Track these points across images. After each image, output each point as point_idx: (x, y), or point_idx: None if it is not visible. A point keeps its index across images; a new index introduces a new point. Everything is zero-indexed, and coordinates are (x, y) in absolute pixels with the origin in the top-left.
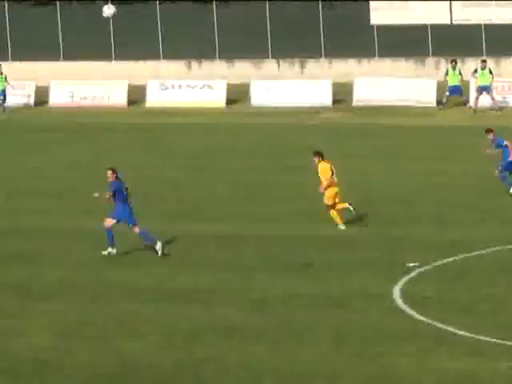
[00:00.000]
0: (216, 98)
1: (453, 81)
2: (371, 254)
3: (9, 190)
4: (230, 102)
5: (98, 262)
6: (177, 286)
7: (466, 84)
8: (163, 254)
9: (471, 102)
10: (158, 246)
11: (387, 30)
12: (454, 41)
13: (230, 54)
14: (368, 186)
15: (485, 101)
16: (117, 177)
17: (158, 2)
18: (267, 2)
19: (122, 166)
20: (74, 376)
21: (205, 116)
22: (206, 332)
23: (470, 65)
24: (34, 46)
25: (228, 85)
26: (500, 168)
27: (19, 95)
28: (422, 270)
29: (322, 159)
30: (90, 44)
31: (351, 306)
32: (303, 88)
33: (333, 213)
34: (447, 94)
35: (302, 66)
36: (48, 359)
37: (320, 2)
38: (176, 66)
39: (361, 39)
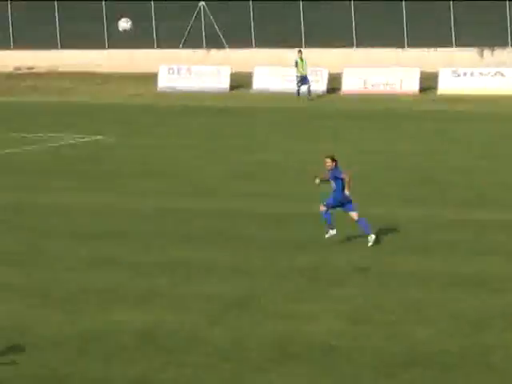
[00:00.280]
0: (508, 86)
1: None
2: None
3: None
4: None
5: (383, 247)
6: (466, 271)
7: None
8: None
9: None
10: (371, 238)
11: None
12: None
13: None
14: None
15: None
16: (336, 165)
17: None
18: None
19: (413, 152)
20: (362, 362)
21: (496, 104)
22: (495, 319)
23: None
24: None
25: None
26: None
27: (313, 81)
28: None
29: None
30: (382, 32)
31: None
32: None
33: None
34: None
35: None
36: (336, 345)
37: None
38: (469, 54)
39: None
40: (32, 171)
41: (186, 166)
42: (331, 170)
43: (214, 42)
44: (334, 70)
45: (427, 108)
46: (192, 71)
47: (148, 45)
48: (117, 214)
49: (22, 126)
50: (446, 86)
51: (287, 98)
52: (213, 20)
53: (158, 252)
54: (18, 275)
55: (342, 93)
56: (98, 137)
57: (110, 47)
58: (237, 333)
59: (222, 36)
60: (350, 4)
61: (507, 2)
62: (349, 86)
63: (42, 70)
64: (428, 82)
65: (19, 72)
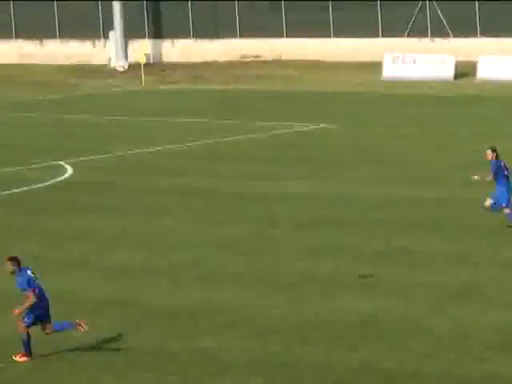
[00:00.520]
0: None
1: None
2: None
3: None
4: None
5: None
6: None
7: None
8: None
9: None
10: None
11: None
12: None
13: None
14: None
15: None
16: (497, 156)
17: None
18: None
19: None
20: None
21: None
22: None
23: None
24: None
25: None
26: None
27: None
28: None
29: None
30: None
31: None
32: None
33: None
34: None
35: None
36: None
37: None
38: None
39: None
40: (258, 159)
41: (411, 154)
42: (493, 160)
43: (438, 31)
44: None
45: None
46: (416, 60)
47: (373, 34)
48: (340, 201)
49: (248, 114)
50: None
51: None
52: (438, 9)
53: (381, 240)
54: (242, 263)
55: None
56: (323, 125)
57: (334, 36)
58: (459, 322)
59: (447, 25)
60: None
61: None
62: None
63: (267, 59)
64: None
65: (245, 60)
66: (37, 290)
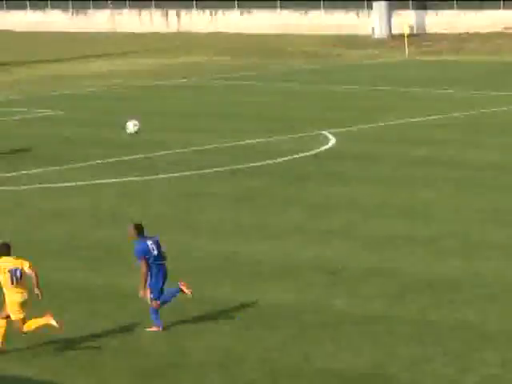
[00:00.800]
0: None
1: None
2: None
3: None
4: None
5: None
6: None
7: None
8: None
9: None
10: None
11: None
12: None
13: None
14: None
15: None
16: None
17: None
18: None
19: None
20: None
21: None
22: None
23: None
24: None
25: None
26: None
27: None
28: None
29: None
30: None
31: None
32: None
33: None
34: None
35: None
36: None
37: None
38: None
39: None
40: None
41: None
42: None
43: None
44: None
45: None
46: None
47: None
48: None
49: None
50: None
51: None
52: None
53: None
54: (505, 235)
55: None
56: None
57: None
58: None
59: None
60: None
61: None
62: None
63: None
64: None
65: (508, 32)
66: (151, 260)
